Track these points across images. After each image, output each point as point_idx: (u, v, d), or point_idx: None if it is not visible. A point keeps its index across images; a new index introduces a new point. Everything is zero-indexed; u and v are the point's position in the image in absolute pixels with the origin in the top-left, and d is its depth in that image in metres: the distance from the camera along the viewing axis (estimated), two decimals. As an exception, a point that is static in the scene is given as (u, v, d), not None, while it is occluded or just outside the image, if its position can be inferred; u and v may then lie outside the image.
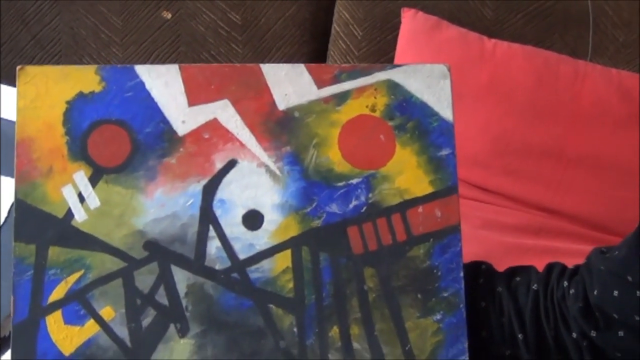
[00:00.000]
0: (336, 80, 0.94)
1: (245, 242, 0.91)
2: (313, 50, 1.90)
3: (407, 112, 0.93)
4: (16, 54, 1.94)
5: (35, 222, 0.91)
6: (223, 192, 0.91)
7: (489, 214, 1.61)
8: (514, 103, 1.65)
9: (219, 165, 0.92)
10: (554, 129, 1.65)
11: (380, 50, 1.83)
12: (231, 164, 0.92)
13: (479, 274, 0.96)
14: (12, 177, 1.18)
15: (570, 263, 0.95)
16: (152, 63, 1.89)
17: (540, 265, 0.97)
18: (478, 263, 0.98)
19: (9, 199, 1.20)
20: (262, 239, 0.91)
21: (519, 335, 0.92)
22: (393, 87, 0.94)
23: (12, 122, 1.23)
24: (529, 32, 1.81)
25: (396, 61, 1.75)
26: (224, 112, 0.92)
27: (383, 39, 1.84)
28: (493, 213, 1.62)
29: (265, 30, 1.91)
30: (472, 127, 1.63)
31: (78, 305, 0.90)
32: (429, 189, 0.92)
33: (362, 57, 1.82)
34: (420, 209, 0.92)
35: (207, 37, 1.91)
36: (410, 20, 1.77)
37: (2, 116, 1.25)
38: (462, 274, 0.91)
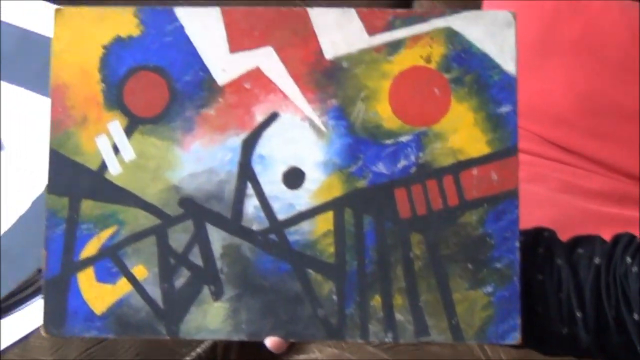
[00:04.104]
0: (389, 27, 0.86)
1: (285, 201, 0.85)
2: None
3: (466, 64, 0.85)
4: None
5: (69, 174, 0.87)
6: (263, 147, 0.86)
7: (569, 177, 1.50)
8: (605, 60, 1.53)
9: (259, 118, 0.86)
10: (647, 89, 1.54)
11: (470, -6, 1.73)
12: (273, 117, 0.86)
13: (539, 243, 0.88)
14: (12, 83, 1.17)
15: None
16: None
17: None
18: (540, 230, 0.90)
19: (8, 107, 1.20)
20: (302, 198, 0.85)
21: (578, 314, 0.84)
22: (451, 36, 0.86)
23: (13, 26, 1.21)
24: (625, -16, 1.68)
25: (484, 7, 1.66)
26: (267, 61, 0.86)
27: (474, -17, 1.74)
28: (574, 176, 1.51)
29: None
30: (558, 84, 1.52)
31: (110, 262, 0.86)
32: (485, 150, 0.85)
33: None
34: (474, 171, 0.84)
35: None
36: (502, -34, 1.67)
37: (2, 19, 1.22)
38: (517, 244, 0.84)
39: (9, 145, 1.14)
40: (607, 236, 0.90)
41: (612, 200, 1.48)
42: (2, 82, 1.17)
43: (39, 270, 1.12)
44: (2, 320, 1.06)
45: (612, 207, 1.46)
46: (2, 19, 1.21)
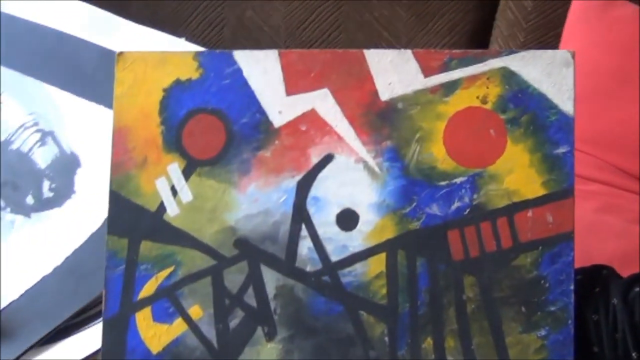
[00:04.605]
0: (445, 67, 0.86)
1: (338, 243, 0.85)
2: (478, 20, 1.81)
3: (522, 104, 0.84)
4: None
5: (128, 216, 0.88)
6: (318, 189, 0.86)
7: (645, 209, 1.47)
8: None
9: (314, 160, 0.86)
10: None
11: (550, 23, 1.72)
12: (327, 159, 0.86)
13: (596, 282, 0.86)
14: (93, 101, 1.20)
15: None
16: (313, 19, 1.86)
17: None
18: (598, 268, 0.88)
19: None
20: (356, 240, 0.85)
21: (634, 354, 0.82)
22: (508, 76, 0.85)
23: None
24: None
25: (563, 36, 1.64)
26: (323, 103, 0.86)
27: (553, 12, 1.72)
28: (650, 208, 1.48)
29: (432, -5, 1.84)
30: (637, 113, 1.49)
31: (168, 302, 0.87)
32: (541, 191, 0.83)
33: (529, 29, 1.72)
34: (529, 213, 0.83)
35: (372, -2, 1.85)
36: (584, -6, 1.65)
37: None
38: (572, 287, 0.82)
39: (86, 163, 1.16)
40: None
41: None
42: (83, 100, 1.19)
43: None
44: (76, 335, 1.08)
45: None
46: (84, 37, 1.23)
